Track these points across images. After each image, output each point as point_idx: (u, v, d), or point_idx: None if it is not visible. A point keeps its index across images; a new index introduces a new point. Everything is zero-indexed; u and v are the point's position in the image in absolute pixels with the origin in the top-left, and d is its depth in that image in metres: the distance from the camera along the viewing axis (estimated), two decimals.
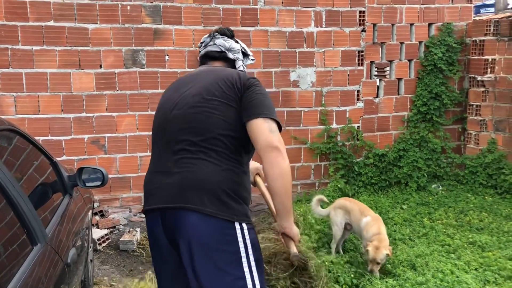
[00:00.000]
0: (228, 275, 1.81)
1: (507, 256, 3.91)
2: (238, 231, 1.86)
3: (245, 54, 2.27)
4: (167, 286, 2.02)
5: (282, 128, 1.97)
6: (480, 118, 6.02)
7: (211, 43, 2.23)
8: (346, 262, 3.79)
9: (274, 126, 1.90)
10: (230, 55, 2.21)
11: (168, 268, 1.98)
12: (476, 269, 3.67)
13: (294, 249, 1.96)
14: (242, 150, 1.97)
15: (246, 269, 1.85)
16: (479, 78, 6.00)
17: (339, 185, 5.56)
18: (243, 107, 1.94)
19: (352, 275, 3.53)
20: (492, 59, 5.87)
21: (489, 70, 5.91)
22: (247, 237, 1.88)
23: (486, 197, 5.51)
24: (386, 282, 3.36)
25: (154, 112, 5.85)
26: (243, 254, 1.86)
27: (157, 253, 2.00)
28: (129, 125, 5.11)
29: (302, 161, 5.73)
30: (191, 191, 1.85)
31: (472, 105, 6.12)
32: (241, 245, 1.86)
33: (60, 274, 1.93)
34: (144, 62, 5.07)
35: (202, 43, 2.29)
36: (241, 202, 1.91)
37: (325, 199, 4.28)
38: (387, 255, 3.51)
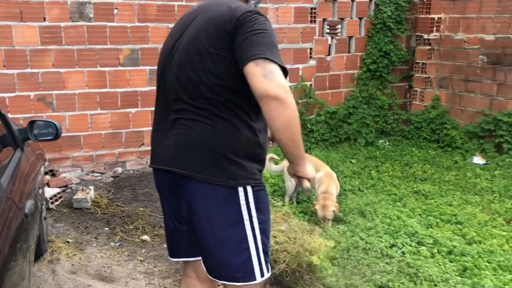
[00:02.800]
0: (229, 239, 1.75)
1: (447, 202, 4.21)
2: (241, 194, 1.74)
3: None
4: (173, 226, 1.95)
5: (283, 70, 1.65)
6: (426, 75, 6.28)
7: None
8: (300, 212, 3.94)
9: (270, 67, 1.57)
10: None
11: (173, 210, 1.92)
12: (420, 215, 3.93)
13: (306, 185, 1.84)
14: (246, 104, 1.72)
15: (249, 232, 1.76)
16: (425, 36, 6.22)
17: None
18: (236, 55, 1.65)
19: (305, 223, 3.68)
20: (438, 17, 6.07)
21: (435, 28, 6.13)
22: (250, 199, 1.75)
23: (429, 151, 5.84)
24: (338, 228, 3.54)
25: (103, 69, 5.59)
26: (245, 217, 1.75)
27: (162, 197, 1.95)
28: (78, 82, 4.93)
29: None
30: (185, 155, 1.74)
31: (419, 63, 6.36)
32: (244, 208, 1.75)
33: (20, 223, 1.90)
34: (91, 15, 4.85)
35: None
36: (242, 164, 1.73)
37: (276, 156, 4.37)
38: (334, 211, 3.68)
